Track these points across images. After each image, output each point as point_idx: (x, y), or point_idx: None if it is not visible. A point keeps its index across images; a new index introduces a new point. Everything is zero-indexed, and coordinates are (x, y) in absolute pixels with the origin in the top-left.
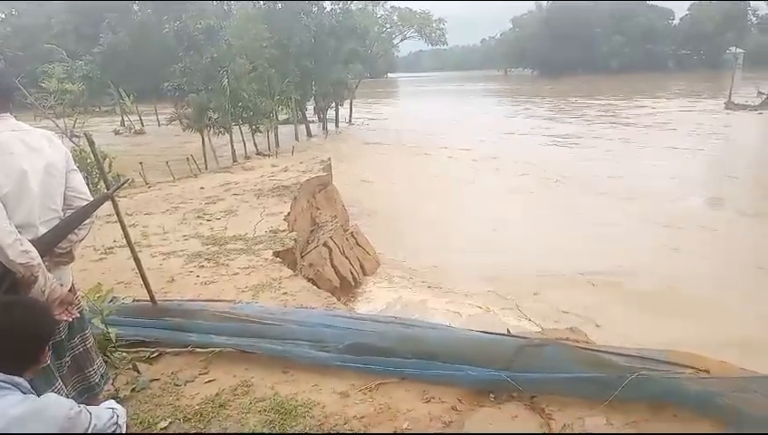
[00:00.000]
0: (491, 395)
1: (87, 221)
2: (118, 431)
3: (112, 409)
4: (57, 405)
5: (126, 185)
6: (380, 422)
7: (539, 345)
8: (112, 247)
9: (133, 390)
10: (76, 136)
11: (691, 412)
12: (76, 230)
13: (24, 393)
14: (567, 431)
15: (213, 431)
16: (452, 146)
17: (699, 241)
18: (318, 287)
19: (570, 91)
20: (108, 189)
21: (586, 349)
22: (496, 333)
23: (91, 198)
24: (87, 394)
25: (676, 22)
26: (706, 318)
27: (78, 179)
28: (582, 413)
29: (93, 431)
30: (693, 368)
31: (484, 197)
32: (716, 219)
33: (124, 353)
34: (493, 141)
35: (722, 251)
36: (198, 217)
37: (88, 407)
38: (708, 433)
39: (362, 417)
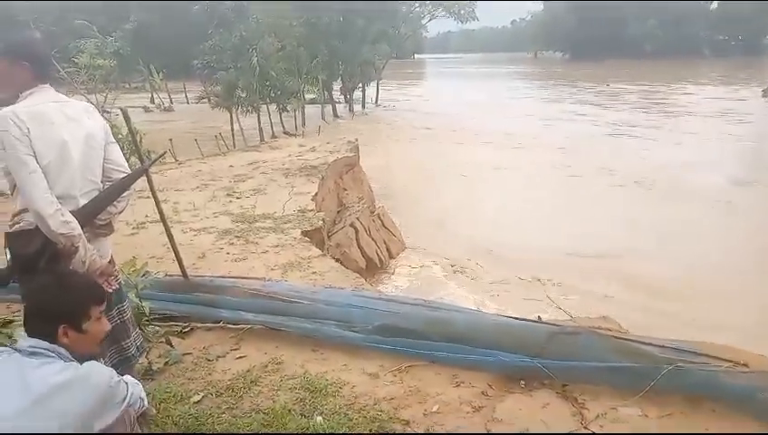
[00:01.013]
0: (521, 382)
1: (125, 194)
2: (142, 404)
3: (137, 382)
4: (99, 373)
5: (160, 160)
6: (410, 404)
7: (572, 333)
8: (144, 223)
9: (166, 363)
10: (107, 111)
11: (730, 408)
12: (115, 202)
13: (66, 362)
14: (600, 421)
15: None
16: (484, 130)
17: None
18: (345, 268)
19: (605, 76)
20: (142, 163)
21: (620, 338)
22: (527, 320)
23: (129, 171)
24: (123, 365)
25: (713, 5)
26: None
27: (117, 152)
28: (616, 403)
29: (129, 401)
30: (730, 361)
31: (515, 183)
32: None
33: (157, 327)
34: (530, 127)
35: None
36: (228, 194)
37: (125, 378)
38: (749, 433)
39: (392, 398)
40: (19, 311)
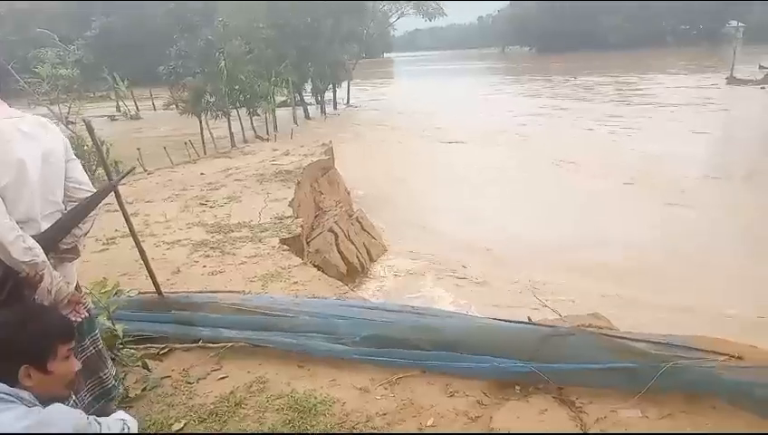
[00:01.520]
0: (516, 387)
1: (92, 214)
2: None
3: (122, 420)
4: (65, 417)
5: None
6: (404, 419)
7: (565, 334)
8: (114, 238)
9: (144, 389)
10: (71, 122)
11: (729, 403)
12: (80, 224)
13: (29, 407)
14: (601, 425)
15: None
16: (460, 128)
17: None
18: (326, 274)
19: (575, 69)
20: (110, 178)
21: (612, 336)
22: (518, 322)
23: (93, 189)
24: (104, 399)
25: None
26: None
27: (78, 169)
28: (615, 406)
29: None
30: (725, 354)
31: (491, 180)
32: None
33: (132, 350)
34: (506, 122)
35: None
36: (201, 203)
37: (98, 417)
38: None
39: (385, 414)
40: None
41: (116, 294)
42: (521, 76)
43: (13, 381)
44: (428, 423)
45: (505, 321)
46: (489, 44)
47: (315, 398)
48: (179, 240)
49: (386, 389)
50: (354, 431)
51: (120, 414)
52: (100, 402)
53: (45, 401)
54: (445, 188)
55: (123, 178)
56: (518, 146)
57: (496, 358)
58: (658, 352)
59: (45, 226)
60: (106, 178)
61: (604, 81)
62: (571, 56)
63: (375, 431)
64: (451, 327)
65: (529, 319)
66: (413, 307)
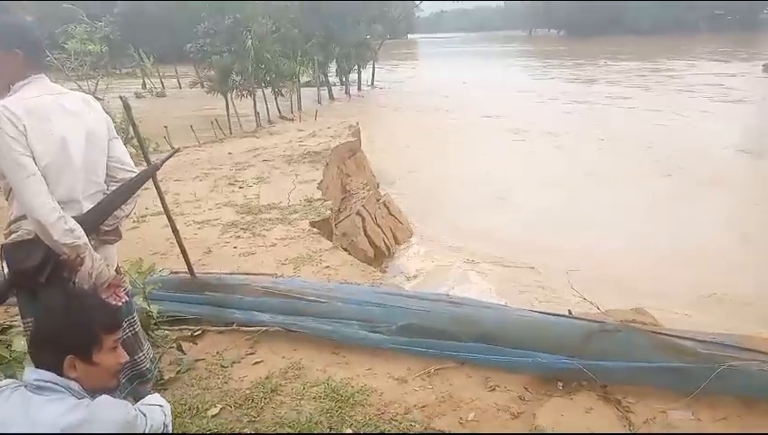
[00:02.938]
0: (559, 383)
1: (134, 195)
2: (167, 432)
3: (160, 406)
4: (113, 410)
5: (174, 155)
6: (443, 412)
7: (612, 331)
8: (145, 215)
9: (178, 371)
10: (99, 99)
11: None
12: (123, 206)
13: (78, 398)
14: (650, 426)
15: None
16: (485, 111)
17: None
18: (356, 259)
19: (609, 53)
20: (145, 157)
21: (661, 334)
22: (559, 315)
23: (135, 169)
24: (138, 380)
25: None
26: None
27: (121, 148)
28: (664, 406)
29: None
30: None
31: (522, 165)
32: None
33: (167, 331)
34: (529, 106)
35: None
36: (230, 183)
37: (142, 407)
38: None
39: (424, 406)
40: (17, 315)
41: (150, 274)
42: (552, 60)
43: (60, 371)
44: (469, 417)
45: (546, 314)
46: (515, 27)
47: (352, 387)
48: (209, 220)
49: (423, 380)
50: (394, 422)
51: (156, 398)
52: (134, 384)
53: (92, 391)
54: (470, 172)
55: (167, 159)
56: (536, 130)
57: (538, 353)
58: (709, 351)
59: (87, 206)
60: (144, 157)
61: (643, 66)
62: (601, 40)
63: (415, 424)
64: (490, 319)
65: (570, 312)
66: (449, 296)
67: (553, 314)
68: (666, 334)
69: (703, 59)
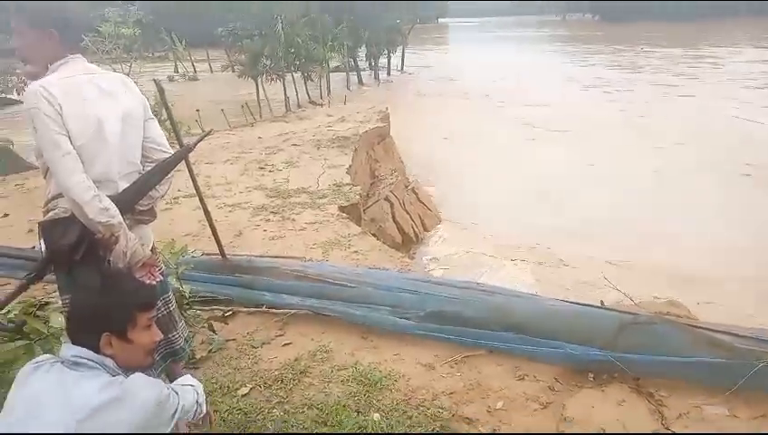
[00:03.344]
0: (590, 375)
1: (168, 175)
2: (199, 411)
3: (192, 386)
4: (147, 389)
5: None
6: (471, 400)
7: (646, 323)
8: (177, 197)
9: (210, 351)
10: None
11: None
12: (158, 186)
13: (112, 375)
14: (683, 421)
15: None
16: (521, 99)
17: None
18: (384, 244)
19: (641, 40)
20: (179, 141)
21: (696, 327)
22: (592, 306)
23: (171, 150)
24: (171, 359)
25: None
26: None
27: (157, 129)
28: (698, 401)
29: (179, 414)
30: None
31: (551, 156)
32: None
33: (199, 311)
34: (577, 95)
35: None
36: (260, 167)
37: (175, 386)
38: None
39: (451, 393)
40: (55, 292)
41: (183, 255)
42: (590, 45)
43: (96, 348)
44: (498, 406)
45: (578, 304)
46: (547, 11)
47: (380, 371)
48: (240, 203)
49: (451, 367)
50: (421, 408)
51: (188, 378)
52: (167, 362)
53: (127, 368)
54: (499, 159)
55: (200, 141)
56: (574, 117)
57: (569, 343)
58: (747, 346)
59: (123, 186)
60: (177, 140)
61: (685, 53)
62: (636, 25)
63: (442, 410)
64: (520, 308)
65: (602, 303)
66: (478, 284)
67: (585, 305)
68: (702, 328)
69: (747, 45)
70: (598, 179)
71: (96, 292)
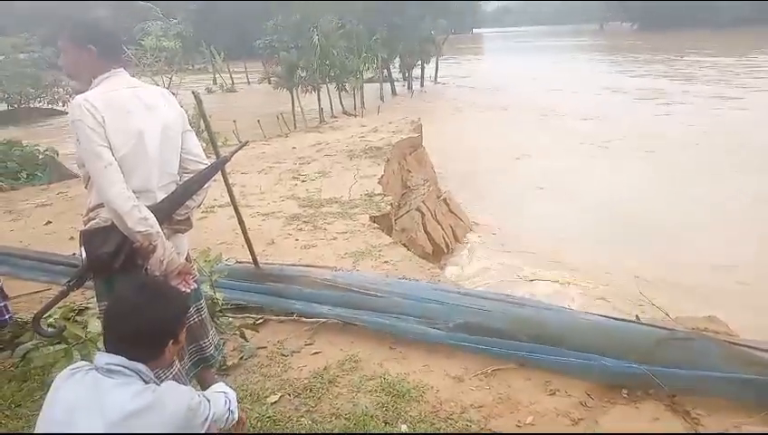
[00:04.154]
0: (623, 391)
1: (205, 186)
2: (231, 418)
3: (224, 393)
4: (178, 396)
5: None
6: (501, 414)
7: (684, 338)
8: (213, 206)
9: (241, 358)
10: (173, 93)
11: None
12: (194, 196)
13: (146, 382)
14: None
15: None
16: (567, 111)
17: None
18: (415, 255)
19: (685, 49)
20: (216, 151)
21: (736, 344)
22: (627, 320)
23: (207, 162)
24: (202, 365)
25: None
26: None
27: (194, 141)
28: (737, 420)
29: (210, 421)
30: None
31: (589, 168)
32: None
33: (231, 319)
34: (628, 108)
35: None
36: (293, 177)
37: (206, 394)
38: None
39: (480, 406)
40: (93, 297)
41: (217, 263)
42: (633, 54)
43: (129, 356)
44: (528, 421)
45: (612, 318)
46: (586, 20)
47: (408, 382)
48: (273, 212)
49: (481, 380)
50: (450, 420)
51: (221, 386)
52: (199, 368)
53: (155, 370)
54: (532, 172)
55: (236, 152)
56: (617, 132)
57: (604, 357)
58: None
59: (161, 197)
60: (214, 150)
61: (738, 62)
62: (678, 34)
63: (471, 424)
64: (552, 321)
65: (637, 317)
66: (508, 295)
67: (620, 320)
68: (741, 345)
69: None
70: (689, 203)
71: (161, 306)
